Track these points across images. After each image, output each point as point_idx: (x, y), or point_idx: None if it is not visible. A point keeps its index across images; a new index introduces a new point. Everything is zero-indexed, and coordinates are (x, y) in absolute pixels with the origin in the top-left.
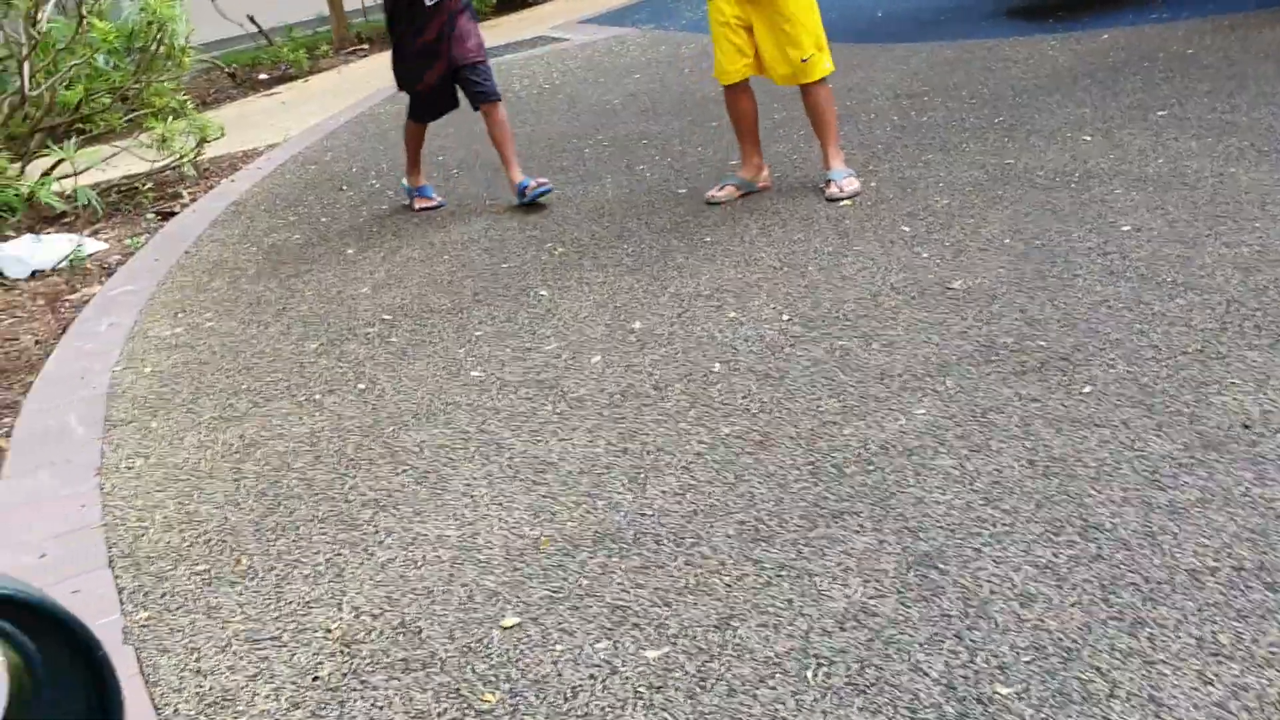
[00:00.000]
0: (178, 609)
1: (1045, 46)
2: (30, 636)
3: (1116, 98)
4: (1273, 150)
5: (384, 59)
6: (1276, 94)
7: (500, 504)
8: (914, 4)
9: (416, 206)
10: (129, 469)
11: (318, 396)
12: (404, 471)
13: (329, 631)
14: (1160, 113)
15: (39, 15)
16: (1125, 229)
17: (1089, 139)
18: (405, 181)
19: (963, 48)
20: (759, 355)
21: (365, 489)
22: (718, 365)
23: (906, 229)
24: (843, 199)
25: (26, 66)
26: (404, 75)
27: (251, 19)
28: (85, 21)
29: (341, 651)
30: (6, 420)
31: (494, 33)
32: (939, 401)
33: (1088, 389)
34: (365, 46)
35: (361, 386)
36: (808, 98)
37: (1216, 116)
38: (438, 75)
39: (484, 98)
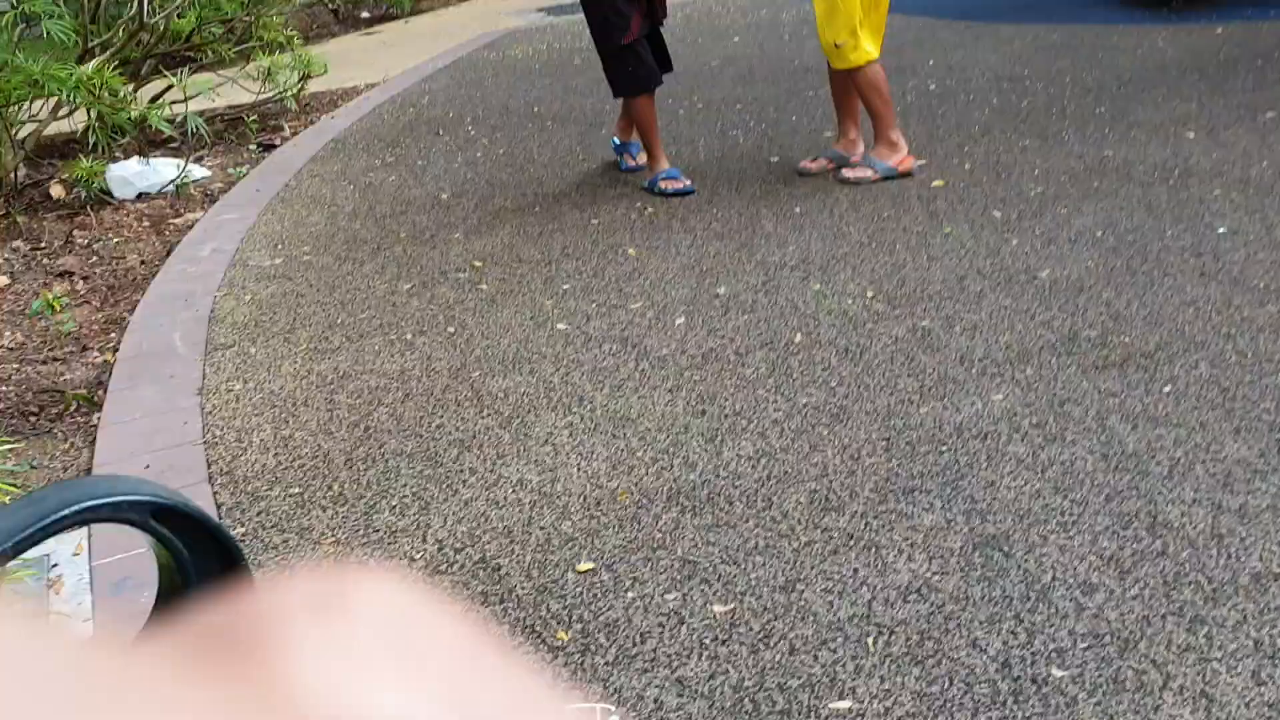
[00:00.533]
0: (272, 527)
1: (1155, 37)
2: (181, 540)
3: (1225, 96)
4: None
5: (481, 5)
6: None
7: (580, 454)
8: None
9: (667, 190)
10: (229, 391)
11: (409, 336)
12: (489, 415)
13: (413, 560)
14: (1269, 114)
15: None
16: (1221, 231)
17: (1192, 135)
18: (648, 174)
19: (1070, 32)
20: (840, 329)
21: (451, 429)
22: (799, 336)
23: (998, 214)
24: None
25: None
26: (611, 22)
27: None
28: None
29: (425, 581)
30: (113, 336)
31: None
32: (1017, 389)
33: (1168, 388)
34: None
35: (451, 330)
36: (840, 81)
37: None
38: (642, 20)
39: (665, 67)
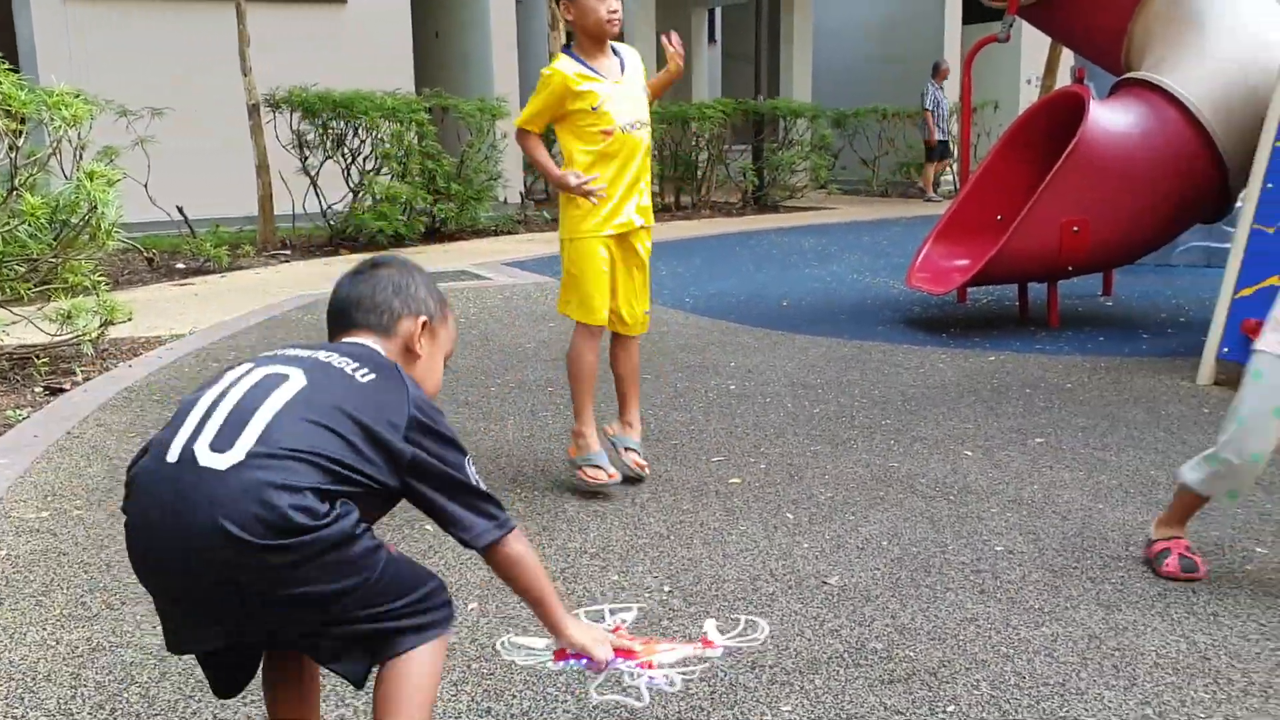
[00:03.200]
0: None
1: (936, 358)
2: None
3: (998, 419)
4: (1139, 493)
5: (303, 267)
6: (1144, 439)
7: None
8: (819, 299)
9: None
10: None
11: None
12: (251, 704)
13: None
14: (1038, 439)
15: None
16: (998, 549)
17: (970, 454)
18: None
19: (860, 347)
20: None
21: (208, 715)
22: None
23: (790, 516)
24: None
25: None
26: None
27: (180, 210)
28: (16, 193)
29: None
30: None
31: (418, 259)
32: (805, 700)
33: (951, 708)
34: (287, 252)
35: None
36: (633, 352)
37: (1089, 452)
38: None
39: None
